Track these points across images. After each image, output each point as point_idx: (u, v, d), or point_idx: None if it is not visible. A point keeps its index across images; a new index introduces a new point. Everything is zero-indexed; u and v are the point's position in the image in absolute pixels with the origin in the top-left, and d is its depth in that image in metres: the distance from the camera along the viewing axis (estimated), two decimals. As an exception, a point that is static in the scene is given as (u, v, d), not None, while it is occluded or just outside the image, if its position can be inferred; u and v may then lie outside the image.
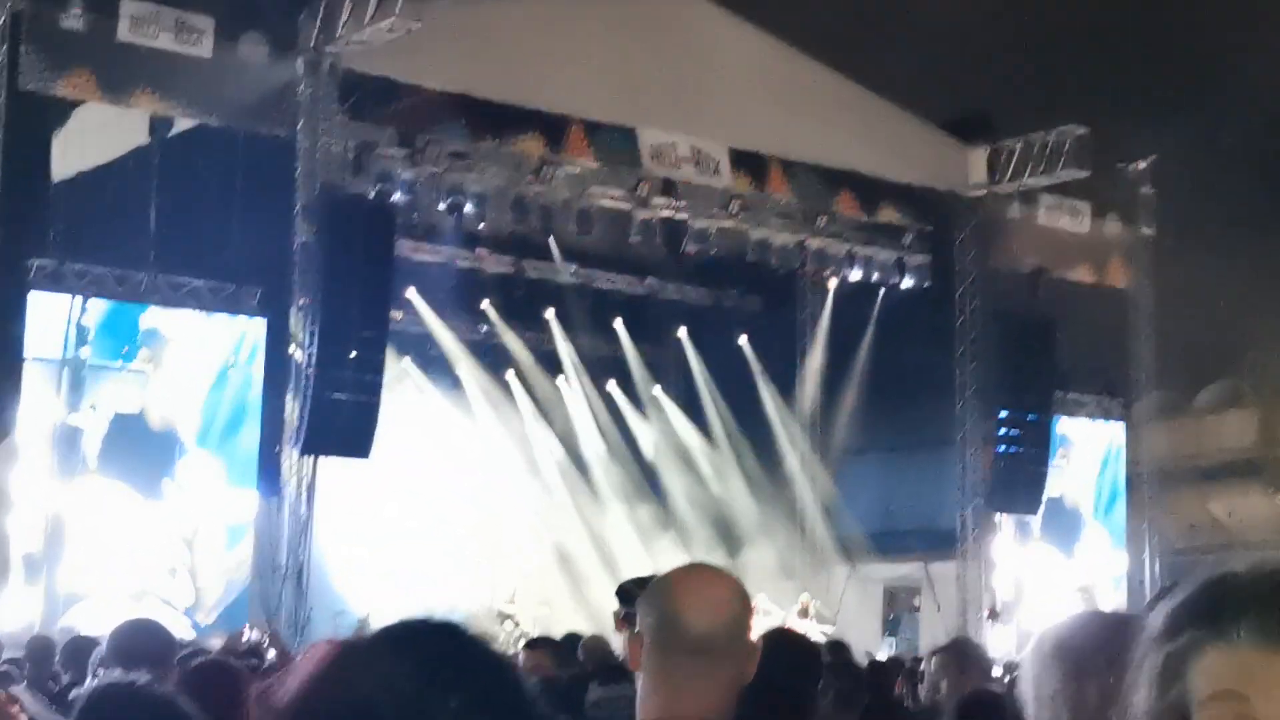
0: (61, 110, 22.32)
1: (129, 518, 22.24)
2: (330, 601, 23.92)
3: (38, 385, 21.90)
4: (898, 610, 29.39)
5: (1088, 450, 29.52)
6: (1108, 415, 29.67)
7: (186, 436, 22.81)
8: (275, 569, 22.96)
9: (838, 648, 8.37)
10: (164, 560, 22.47)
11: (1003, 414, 27.12)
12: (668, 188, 25.23)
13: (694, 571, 3.28)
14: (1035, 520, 28.13)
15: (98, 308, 22.32)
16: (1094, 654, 2.76)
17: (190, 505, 22.71)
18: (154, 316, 22.75)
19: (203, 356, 23.10)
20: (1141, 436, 29.34)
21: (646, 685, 3.07)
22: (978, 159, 27.41)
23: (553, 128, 24.05)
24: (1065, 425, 28.81)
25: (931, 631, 26.38)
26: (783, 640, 5.70)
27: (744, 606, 3.13)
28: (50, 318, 22.04)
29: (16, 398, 21.68)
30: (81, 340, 22.15)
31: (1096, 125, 26.22)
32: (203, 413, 23.00)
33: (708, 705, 3.01)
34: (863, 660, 11.49)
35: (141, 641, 5.76)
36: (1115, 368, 29.14)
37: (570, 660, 8.32)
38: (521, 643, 10.76)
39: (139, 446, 22.40)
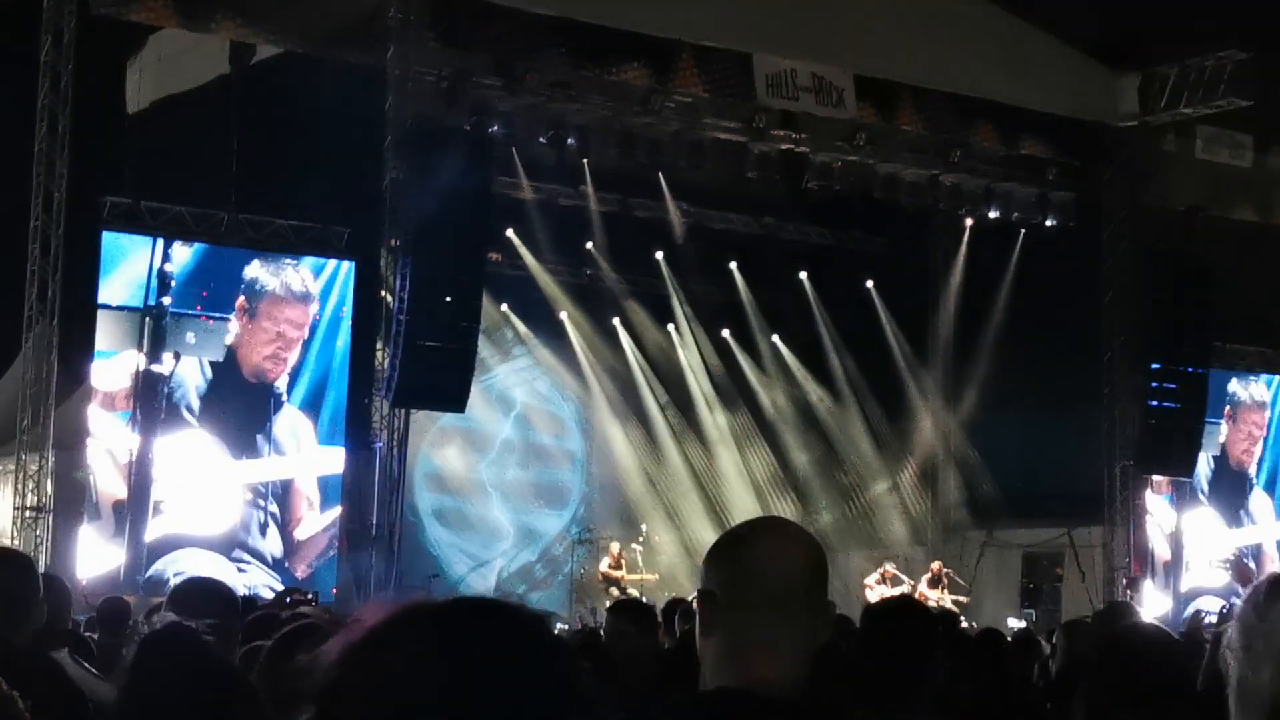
0: (136, 37, 22.50)
1: (216, 469, 22.56)
2: (423, 562, 24.10)
3: (115, 331, 22.22)
4: (1037, 579, 29.12)
5: (1253, 407, 29.13)
6: (1272, 368, 29.21)
7: (274, 386, 23.06)
8: (365, 528, 23.21)
9: (947, 619, 8.26)
10: (253, 514, 22.79)
11: (1155, 367, 26.70)
12: (786, 119, 25.03)
13: (766, 523, 3.27)
14: (1193, 483, 27.78)
15: (176, 250, 22.56)
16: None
17: (279, 458, 23.00)
18: (235, 260, 22.96)
19: (288, 302, 23.27)
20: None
21: (715, 648, 3.03)
22: (1128, 87, 26.94)
23: (660, 55, 23.94)
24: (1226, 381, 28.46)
25: (1075, 603, 26.14)
26: (894, 608, 5.66)
27: (819, 562, 3.09)
28: (127, 260, 22.33)
29: (91, 344, 22.02)
30: (161, 285, 22.40)
31: (1260, 49, 25.66)
32: (289, 362, 23.22)
33: (781, 669, 2.96)
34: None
35: (200, 599, 5.84)
36: (1280, 317, 28.66)
37: (657, 627, 8.28)
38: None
39: (224, 397, 22.67)
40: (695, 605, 3.15)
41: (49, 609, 5.52)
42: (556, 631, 1.81)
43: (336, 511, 23.25)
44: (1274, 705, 2.37)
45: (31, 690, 4.37)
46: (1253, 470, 29.18)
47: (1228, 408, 28.57)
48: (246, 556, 22.27)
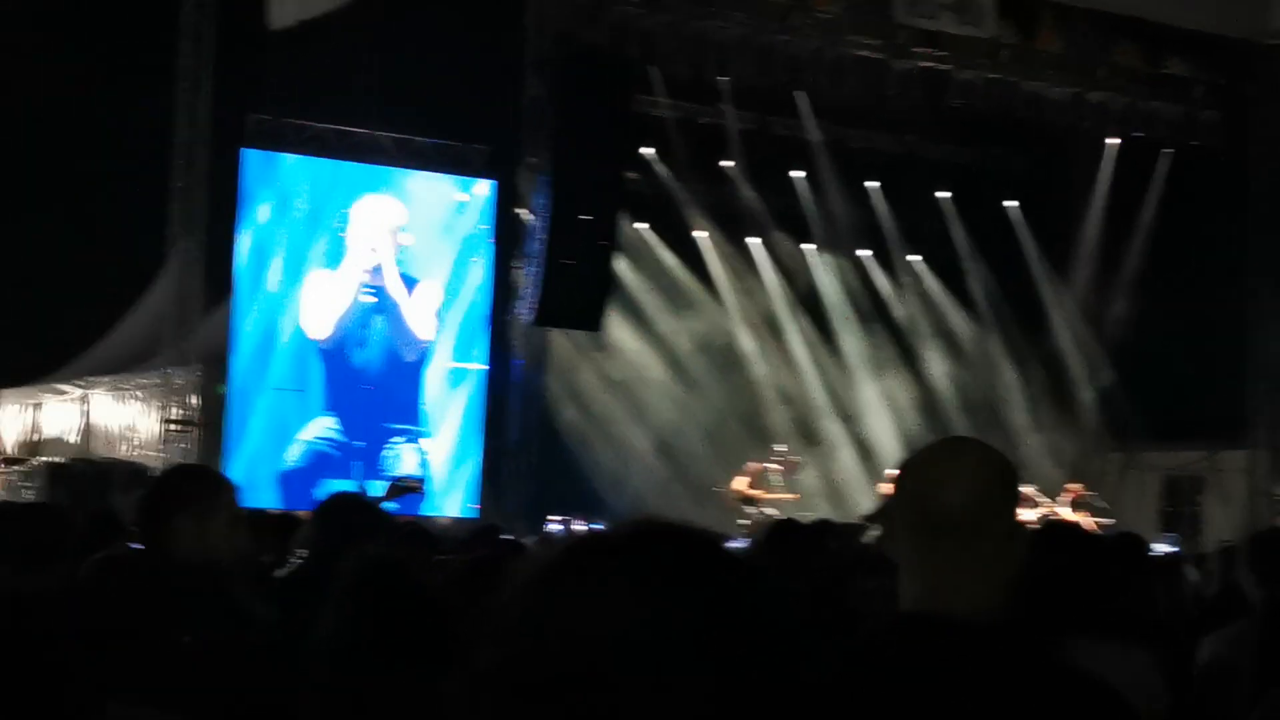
0: (280, -46, 22.58)
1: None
2: (564, 479, 24.18)
3: (256, 249, 22.42)
4: (1178, 504, 28.73)
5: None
6: None
7: (418, 304, 23.20)
8: (505, 448, 23.35)
9: (1128, 541, 8.05)
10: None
11: (1300, 288, 26.20)
12: (928, 37, 24.69)
13: (945, 444, 3.14)
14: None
15: (316, 167, 22.70)
16: None
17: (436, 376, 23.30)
18: (375, 176, 23.06)
19: (427, 220, 23.37)
20: None
21: (902, 573, 2.94)
22: (1277, 2, 26.29)
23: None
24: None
25: (1216, 527, 25.78)
26: (1059, 530, 5.53)
27: (1002, 482, 2.96)
28: (267, 176, 22.50)
29: (231, 262, 22.23)
30: (300, 201, 22.55)
31: None
32: (437, 279, 23.35)
33: (971, 597, 2.84)
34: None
35: (344, 514, 5.86)
36: None
37: (818, 550, 8.16)
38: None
39: (367, 315, 22.88)
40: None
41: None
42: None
43: (476, 430, 23.42)
44: None
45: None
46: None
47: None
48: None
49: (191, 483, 4.76)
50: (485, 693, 1.55)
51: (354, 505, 6.04)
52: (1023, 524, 2.99)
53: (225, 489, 4.74)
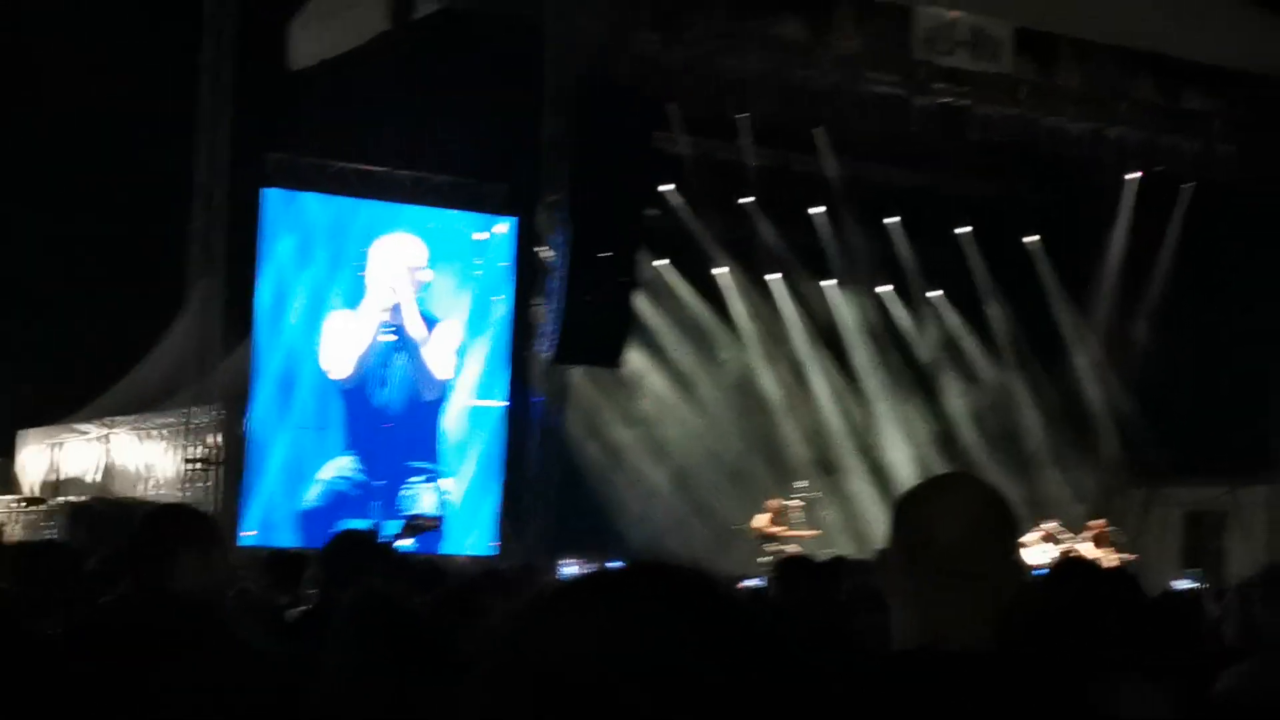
0: (299, -6, 22.70)
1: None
2: (582, 515, 24.14)
3: (276, 288, 22.46)
4: (1200, 540, 28.60)
5: None
6: None
7: (438, 343, 23.22)
8: (524, 485, 23.33)
9: (1125, 579, 8.02)
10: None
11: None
12: (947, 73, 24.72)
13: (939, 480, 3.19)
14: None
15: (335, 206, 22.75)
16: None
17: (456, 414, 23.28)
18: (395, 215, 23.11)
19: (447, 259, 23.40)
20: None
21: (898, 608, 2.97)
22: (1297, 37, 26.27)
23: (819, 8, 23.70)
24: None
25: (1240, 564, 25.65)
26: (1074, 568, 5.50)
27: (1001, 519, 3.00)
28: (287, 216, 22.55)
29: (252, 301, 22.26)
30: (320, 240, 22.60)
31: None
32: (457, 318, 23.37)
33: (965, 631, 2.87)
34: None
35: (349, 552, 5.86)
36: None
37: (830, 585, 8.14)
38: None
39: (388, 355, 22.90)
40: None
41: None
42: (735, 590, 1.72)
43: (496, 468, 23.42)
44: None
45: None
46: None
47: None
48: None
49: (186, 522, 4.75)
50: None
51: (358, 543, 6.06)
52: (1019, 559, 3.00)
53: (216, 527, 4.74)
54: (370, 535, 6.52)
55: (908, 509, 3.04)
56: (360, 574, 5.27)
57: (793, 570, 7.55)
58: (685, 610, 1.62)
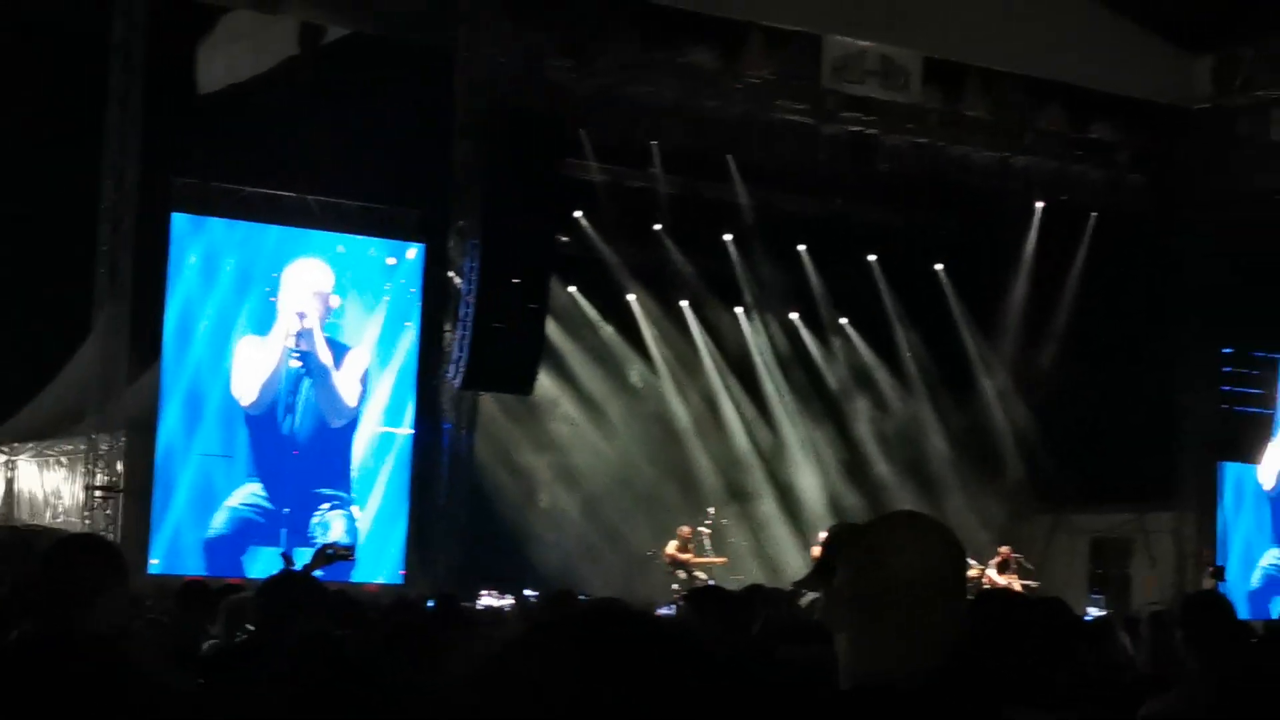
0: (207, 17, 22.52)
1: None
2: (487, 546, 24.04)
3: (183, 314, 22.26)
4: (1106, 566, 28.85)
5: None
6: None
7: (346, 370, 23.07)
8: (433, 513, 23.21)
9: (1057, 606, 8.00)
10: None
11: (1228, 351, 26.41)
12: (856, 102, 24.89)
13: (901, 518, 3.20)
14: (1263, 470, 27.44)
15: (244, 231, 22.59)
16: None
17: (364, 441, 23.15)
18: (304, 241, 22.96)
19: (356, 285, 23.28)
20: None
21: (848, 643, 2.99)
22: (1203, 69, 26.57)
23: (730, 37, 23.81)
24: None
25: (1145, 590, 25.89)
26: (994, 599, 5.49)
27: (950, 555, 3.04)
28: (195, 241, 22.35)
29: (159, 326, 22.05)
30: (228, 265, 22.43)
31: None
32: (365, 344, 23.25)
33: (913, 664, 2.89)
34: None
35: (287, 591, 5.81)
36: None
37: (745, 616, 8.08)
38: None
39: (296, 381, 22.72)
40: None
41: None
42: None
43: (403, 495, 23.28)
44: None
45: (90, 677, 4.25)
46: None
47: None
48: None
49: (105, 557, 4.64)
50: None
51: (296, 581, 6.05)
52: (964, 595, 3.01)
53: (122, 558, 4.64)
54: (311, 578, 6.47)
55: (866, 542, 3.05)
56: (297, 611, 5.24)
57: (706, 601, 7.49)
58: (655, 657, 1.73)
